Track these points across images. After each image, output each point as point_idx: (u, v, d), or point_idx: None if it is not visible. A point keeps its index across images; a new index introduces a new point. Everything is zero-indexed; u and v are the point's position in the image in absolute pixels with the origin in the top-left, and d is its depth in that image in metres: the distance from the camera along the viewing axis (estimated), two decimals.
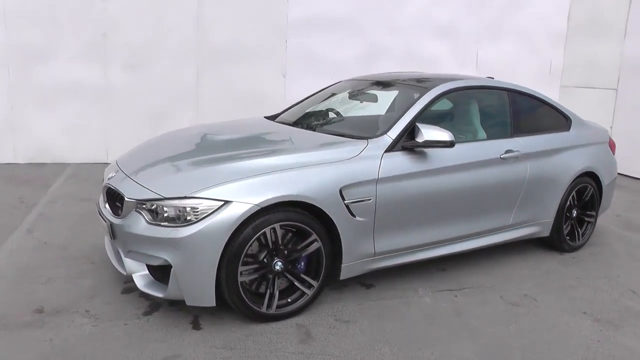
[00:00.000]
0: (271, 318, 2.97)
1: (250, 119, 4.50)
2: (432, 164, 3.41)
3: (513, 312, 3.31)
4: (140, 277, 2.96)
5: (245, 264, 2.82)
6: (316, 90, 4.69)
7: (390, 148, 3.30)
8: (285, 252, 2.95)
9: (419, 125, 3.32)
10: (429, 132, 3.26)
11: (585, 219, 4.44)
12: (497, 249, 4.17)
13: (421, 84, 3.86)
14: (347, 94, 4.33)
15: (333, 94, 4.42)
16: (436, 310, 3.27)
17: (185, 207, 2.73)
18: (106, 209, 3.20)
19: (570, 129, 4.34)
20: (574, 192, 4.24)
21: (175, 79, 6.79)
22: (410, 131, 3.37)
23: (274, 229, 2.85)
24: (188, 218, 2.72)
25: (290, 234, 2.98)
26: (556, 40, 8.37)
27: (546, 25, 8.29)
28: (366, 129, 3.55)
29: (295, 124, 3.99)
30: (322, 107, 4.30)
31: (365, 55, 7.58)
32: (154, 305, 3.13)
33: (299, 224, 2.91)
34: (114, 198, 3.13)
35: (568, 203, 4.22)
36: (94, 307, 3.10)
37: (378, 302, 3.32)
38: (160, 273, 2.90)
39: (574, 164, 4.19)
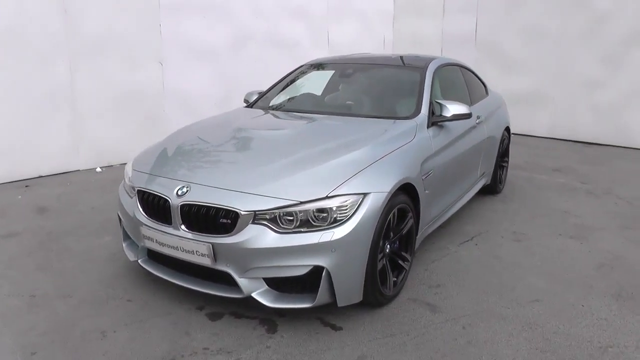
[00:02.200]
0: (391, 299, 3.09)
1: (253, 111, 4.18)
2: (452, 134, 3.87)
3: (523, 247, 4.06)
4: (262, 294, 2.73)
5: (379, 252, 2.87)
6: (281, 77, 4.62)
7: (429, 124, 3.64)
8: (391, 233, 3.07)
9: (441, 101, 3.73)
10: (453, 107, 3.69)
11: (503, 164, 5.52)
12: None
13: (405, 62, 4.24)
14: (332, 76, 4.42)
15: (303, 76, 4.47)
16: (480, 260, 3.79)
17: (331, 207, 2.62)
18: (182, 230, 2.78)
19: (489, 95, 5.30)
20: (500, 145, 5.24)
21: (46, 76, 5.58)
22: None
23: (394, 213, 2.95)
24: (335, 217, 2.63)
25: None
26: (386, 19, 9.56)
27: (377, 7, 9.40)
28: (398, 109, 3.79)
29: (310, 112, 3.96)
30: (315, 91, 4.32)
31: (235, 38, 7.44)
32: (267, 322, 2.89)
33: (404, 205, 3.06)
34: (202, 216, 2.73)
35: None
36: (206, 343, 2.70)
37: (436, 264, 3.69)
38: (289, 284, 2.74)
39: (500, 122, 5.17)
